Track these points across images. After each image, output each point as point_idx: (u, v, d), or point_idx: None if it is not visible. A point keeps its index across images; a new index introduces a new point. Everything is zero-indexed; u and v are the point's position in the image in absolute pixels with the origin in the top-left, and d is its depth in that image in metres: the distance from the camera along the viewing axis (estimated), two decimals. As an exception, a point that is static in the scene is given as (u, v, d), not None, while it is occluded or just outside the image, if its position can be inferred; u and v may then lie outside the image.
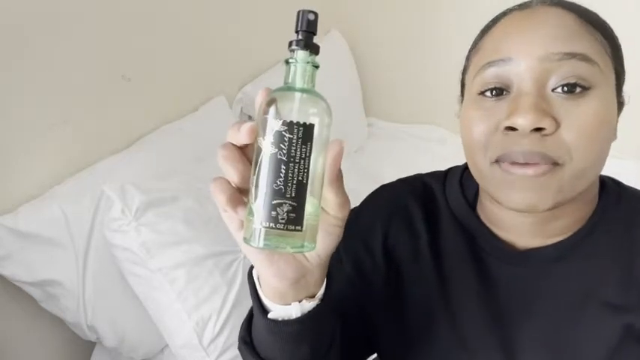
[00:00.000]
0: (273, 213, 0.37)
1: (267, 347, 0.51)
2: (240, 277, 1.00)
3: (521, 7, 0.55)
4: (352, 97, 1.90)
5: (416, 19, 1.91)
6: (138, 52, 1.22)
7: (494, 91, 0.52)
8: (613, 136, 0.54)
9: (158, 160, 1.16)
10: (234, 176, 0.40)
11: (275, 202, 0.37)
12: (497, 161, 0.52)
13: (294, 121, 0.37)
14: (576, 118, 0.49)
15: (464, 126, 0.55)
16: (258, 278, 0.48)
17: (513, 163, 0.50)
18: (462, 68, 0.61)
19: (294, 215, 0.38)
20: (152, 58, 1.26)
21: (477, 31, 0.60)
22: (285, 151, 0.37)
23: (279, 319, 0.47)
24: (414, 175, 0.69)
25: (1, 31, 0.94)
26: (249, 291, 0.50)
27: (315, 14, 0.40)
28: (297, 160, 0.37)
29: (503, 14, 0.56)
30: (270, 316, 0.48)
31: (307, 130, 0.37)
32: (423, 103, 1.99)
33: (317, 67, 0.40)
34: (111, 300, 1.03)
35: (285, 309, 0.47)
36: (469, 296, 0.60)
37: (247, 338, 0.53)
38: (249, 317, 0.54)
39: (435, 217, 0.64)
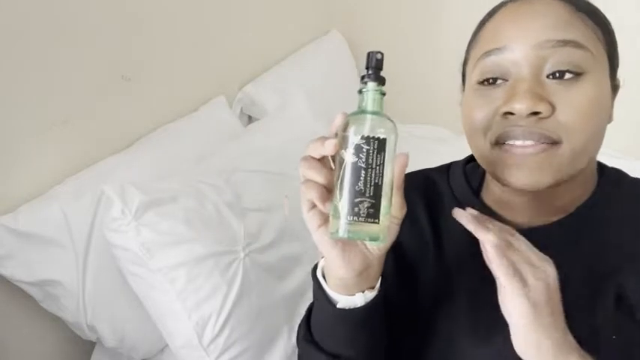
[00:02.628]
0: (356, 209, 0.46)
1: (331, 339, 0.59)
2: (240, 277, 0.99)
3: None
4: (352, 97, 1.90)
5: (416, 19, 1.91)
6: (138, 52, 1.22)
7: (492, 80, 0.56)
8: (608, 118, 0.57)
9: (158, 160, 1.16)
10: (321, 180, 0.48)
11: (357, 200, 0.46)
12: (497, 143, 0.55)
13: (371, 136, 0.46)
14: (571, 102, 0.52)
15: (465, 113, 0.59)
16: (323, 276, 0.57)
17: (512, 145, 0.54)
18: (462, 60, 0.64)
19: (372, 210, 0.46)
20: (152, 58, 1.26)
21: (478, 32, 0.62)
22: (364, 160, 0.46)
23: (347, 307, 0.55)
24: (417, 170, 0.73)
25: (1, 31, 0.94)
26: (312, 288, 0.59)
27: (382, 54, 0.49)
28: (374, 167, 0.46)
29: (499, 6, 0.59)
30: (339, 306, 0.55)
31: (381, 143, 0.47)
32: (423, 103, 1.99)
33: (384, 94, 0.49)
34: (111, 300, 1.03)
35: (351, 299, 0.55)
36: (472, 278, 0.62)
37: (309, 337, 0.61)
38: (307, 320, 0.62)
39: (437, 207, 0.68)
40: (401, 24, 1.94)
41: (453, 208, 0.66)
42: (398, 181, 0.49)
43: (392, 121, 0.49)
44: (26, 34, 0.98)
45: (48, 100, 1.04)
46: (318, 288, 0.57)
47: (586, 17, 0.54)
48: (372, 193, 0.46)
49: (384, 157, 0.46)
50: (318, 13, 1.93)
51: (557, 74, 0.52)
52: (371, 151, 0.46)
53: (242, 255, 1.02)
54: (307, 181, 0.49)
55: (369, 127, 0.47)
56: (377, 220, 0.46)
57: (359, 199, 0.46)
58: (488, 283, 0.61)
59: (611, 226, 0.59)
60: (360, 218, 0.46)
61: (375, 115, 0.48)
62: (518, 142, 0.53)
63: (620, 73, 0.59)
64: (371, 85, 0.49)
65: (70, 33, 1.06)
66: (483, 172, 0.68)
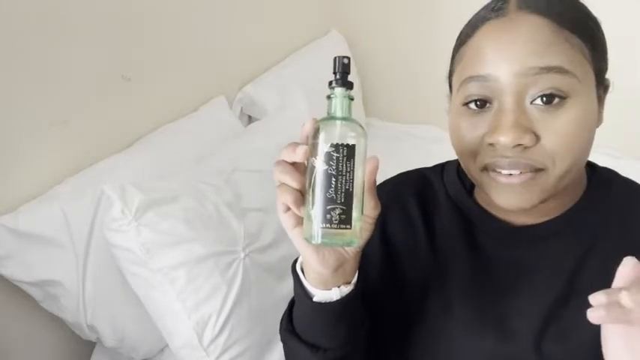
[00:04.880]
0: (328, 216, 0.47)
1: (310, 331, 0.60)
2: (240, 277, 1.00)
3: (497, 14, 0.55)
4: (352, 97, 1.90)
5: (416, 19, 1.90)
6: (138, 52, 1.22)
7: (477, 102, 0.56)
8: (595, 128, 0.57)
9: (158, 160, 1.16)
10: (294, 185, 0.49)
11: (329, 207, 0.47)
12: (485, 168, 0.56)
13: (340, 143, 0.46)
14: (556, 130, 0.52)
15: (452, 134, 0.60)
16: (302, 270, 0.58)
17: (499, 173, 0.55)
18: (447, 71, 0.64)
19: (344, 217, 0.47)
20: (152, 58, 1.26)
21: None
22: (334, 167, 0.46)
23: (323, 301, 0.57)
24: (413, 169, 0.75)
25: (1, 31, 0.94)
26: (293, 284, 0.60)
27: (349, 58, 0.50)
28: (344, 173, 0.47)
29: (482, 21, 0.57)
30: (315, 299, 0.57)
31: (350, 149, 0.47)
32: (423, 103, 1.98)
33: (352, 99, 0.50)
34: (111, 300, 1.03)
35: (327, 293, 0.57)
36: (463, 274, 0.64)
37: (290, 327, 0.63)
38: (289, 312, 0.64)
39: (430, 204, 0.69)
40: (400, 24, 1.94)
41: (446, 207, 0.68)
42: (369, 183, 0.50)
43: (361, 125, 0.49)
44: (26, 34, 0.98)
45: (48, 100, 1.04)
46: (297, 281, 0.59)
47: (571, 35, 0.53)
48: (343, 200, 0.47)
49: (353, 164, 0.47)
50: (318, 13, 1.93)
51: (541, 100, 0.52)
52: (340, 158, 0.46)
53: (242, 255, 1.02)
54: (282, 185, 0.50)
55: (338, 133, 0.47)
56: (349, 226, 0.47)
57: (331, 206, 0.46)
58: (481, 278, 0.63)
59: (602, 226, 0.60)
60: (333, 225, 0.47)
61: (344, 120, 0.48)
62: (504, 172, 0.54)
63: (619, 76, 0.59)
64: (338, 90, 0.49)
65: (70, 33, 1.06)
66: None
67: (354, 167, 0.47)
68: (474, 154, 0.57)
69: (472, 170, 0.59)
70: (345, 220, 0.47)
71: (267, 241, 1.07)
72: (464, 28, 0.60)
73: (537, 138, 0.52)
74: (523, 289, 0.61)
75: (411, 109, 2.04)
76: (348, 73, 0.49)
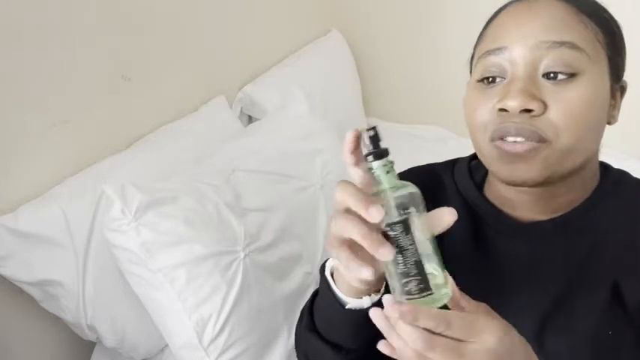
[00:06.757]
0: (406, 288, 0.46)
1: (335, 332, 0.61)
2: (240, 277, 0.99)
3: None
4: (352, 97, 1.90)
5: (416, 19, 1.90)
6: (138, 52, 1.22)
7: (491, 78, 0.58)
8: (605, 118, 0.58)
9: (158, 160, 1.16)
10: (364, 243, 0.45)
11: (404, 280, 0.46)
12: (492, 139, 0.58)
13: (393, 222, 0.45)
14: (563, 102, 0.54)
15: (466, 108, 0.62)
16: (332, 276, 0.58)
17: (505, 140, 0.56)
18: (469, 57, 0.67)
19: (422, 286, 0.46)
20: (152, 58, 1.26)
21: (478, 31, 0.65)
22: (395, 245, 0.45)
23: (354, 308, 0.57)
24: (425, 164, 0.76)
25: (1, 31, 0.94)
26: (319, 285, 0.61)
27: (374, 128, 0.47)
28: (407, 248, 0.46)
29: (505, 5, 0.61)
30: (347, 307, 0.57)
31: (405, 224, 0.46)
32: (423, 103, 1.99)
33: (392, 163, 0.48)
34: (111, 300, 1.03)
35: (359, 301, 0.56)
36: (471, 270, 0.63)
37: (311, 325, 0.63)
38: (310, 308, 0.64)
39: (439, 201, 0.69)
40: (401, 24, 1.94)
41: (456, 202, 0.68)
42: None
43: (412, 186, 0.47)
44: (26, 34, 0.98)
45: (48, 100, 1.04)
46: (326, 288, 0.59)
47: (587, 19, 0.56)
48: (416, 272, 0.46)
49: (412, 236, 0.46)
50: (318, 13, 1.93)
51: (551, 74, 0.54)
52: (399, 235, 0.45)
53: (242, 255, 1.02)
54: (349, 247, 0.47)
55: (389, 209, 0.46)
56: (430, 292, 0.46)
57: (405, 280, 0.46)
58: (488, 274, 0.63)
59: (610, 224, 0.60)
60: (415, 296, 0.46)
61: (392, 190, 0.47)
62: (510, 138, 0.56)
63: (626, 75, 0.60)
64: (376, 164, 0.48)
65: (70, 33, 1.06)
66: (487, 169, 0.69)
67: (414, 239, 0.46)
68: (484, 125, 0.58)
69: (482, 144, 0.60)
70: (424, 289, 0.46)
71: (267, 241, 1.07)
72: (489, 18, 0.64)
73: (545, 107, 0.54)
74: (529, 284, 0.61)
75: (411, 109, 2.04)
76: (379, 140, 0.48)
